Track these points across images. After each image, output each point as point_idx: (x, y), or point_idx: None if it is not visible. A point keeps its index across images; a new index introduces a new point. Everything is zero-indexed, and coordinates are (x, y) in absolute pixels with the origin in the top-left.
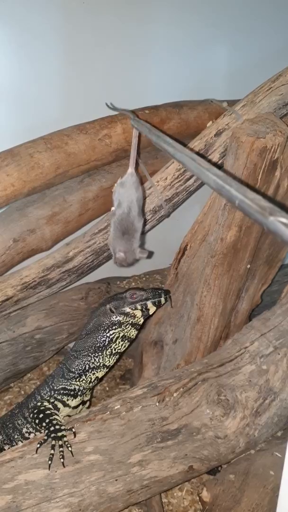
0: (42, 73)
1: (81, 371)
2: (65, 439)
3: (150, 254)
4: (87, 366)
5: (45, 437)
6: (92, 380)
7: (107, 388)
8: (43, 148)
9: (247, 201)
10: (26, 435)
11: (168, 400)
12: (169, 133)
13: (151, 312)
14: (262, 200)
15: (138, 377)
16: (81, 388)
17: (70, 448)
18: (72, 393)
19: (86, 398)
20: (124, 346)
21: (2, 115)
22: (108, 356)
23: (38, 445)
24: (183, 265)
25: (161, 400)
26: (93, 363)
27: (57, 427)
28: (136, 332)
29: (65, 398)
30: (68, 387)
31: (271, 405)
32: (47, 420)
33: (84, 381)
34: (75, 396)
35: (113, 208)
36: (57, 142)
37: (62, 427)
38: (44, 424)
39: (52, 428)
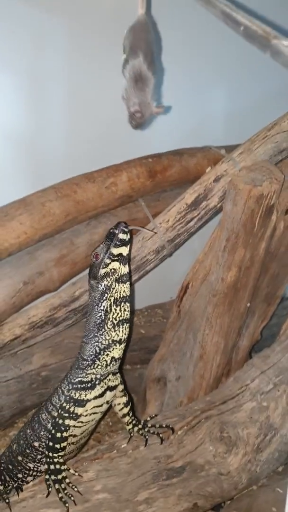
0: (50, 125)
1: (93, 356)
2: (67, 480)
3: (168, 109)
4: (97, 348)
5: (46, 476)
6: (109, 362)
7: (111, 423)
8: (54, 197)
9: (253, 27)
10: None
11: (172, 438)
12: (171, 179)
13: (125, 253)
14: (267, 26)
15: (142, 413)
16: (98, 376)
17: (75, 488)
18: (89, 385)
19: (112, 384)
20: (124, 310)
21: (13, 163)
22: (113, 329)
23: (49, 489)
24: (186, 303)
25: (166, 438)
26: (102, 343)
27: (57, 466)
28: (126, 287)
29: (82, 395)
30: (85, 379)
31: (272, 441)
32: (50, 454)
33: (100, 367)
34: (92, 388)
35: (124, 56)
36: (66, 191)
37: (62, 467)
38: (50, 454)
39: (52, 467)
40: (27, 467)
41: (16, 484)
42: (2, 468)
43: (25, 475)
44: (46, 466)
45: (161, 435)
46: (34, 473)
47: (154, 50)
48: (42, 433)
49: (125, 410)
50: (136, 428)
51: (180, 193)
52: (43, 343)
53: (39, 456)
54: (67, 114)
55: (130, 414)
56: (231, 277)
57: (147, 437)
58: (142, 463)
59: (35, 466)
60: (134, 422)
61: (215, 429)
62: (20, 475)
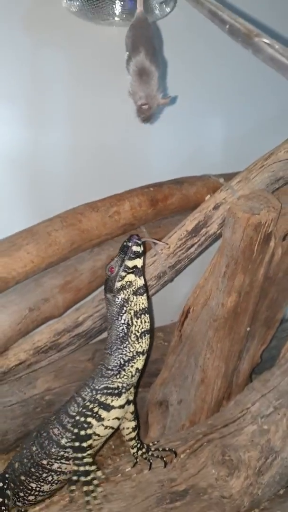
0: (52, 155)
1: (118, 366)
2: (95, 482)
3: (174, 99)
4: (122, 360)
5: (74, 477)
6: (133, 373)
7: (113, 446)
8: (60, 226)
9: (237, 25)
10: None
11: (175, 462)
12: (171, 207)
13: (139, 265)
14: (250, 25)
15: (144, 436)
16: (124, 385)
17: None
18: (116, 391)
19: (130, 398)
20: (145, 322)
21: (17, 192)
22: (136, 342)
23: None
24: (187, 328)
25: (169, 462)
26: (126, 355)
27: (87, 467)
28: (144, 298)
29: (109, 400)
30: (111, 385)
31: (273, 464)
32: (79, 455)
33: (125, 377)
34: (119, 395)
35: (127, 53)
36: (72, 220)
37: (92, 468)
38: (78, 455)
39: (82, 468)
40: (29, 487)
41: (22, 504)
42: (5, 486)
43: (26, 494)
44: (75, 468)
45: (164, 459)
46: (36, 493)
47: (155, 44)
48: (53, 449)
49: (132, 435)
50: (140, 452)
51: (180, 219)
52: (46, 367)
53: (44, 475)
54: (69, 144)
55: (136, 438)
56: (231, 302)
57: (151, 460)
58: (146, 486)
59: (38, 485)
60: (138, 445)
61: (217, 453)
62: (21, 494)
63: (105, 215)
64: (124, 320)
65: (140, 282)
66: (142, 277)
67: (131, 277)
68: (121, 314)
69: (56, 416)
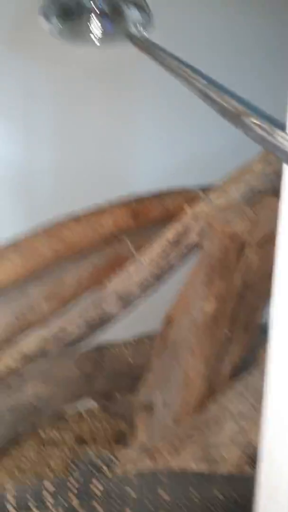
0: (38, 167)
1: None
2: None
3: None
4: None
5: None
6: None
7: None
8: (43, 238)
9: (226, 105)
10: None
11: (160, 462)
12: (152, 219)
13: None
14: (239, 104)
15: (131, 438)
16: None
17: None
18: None
19: None
20: None
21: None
22: None
23: None
24: (170, 333)
25: (154, 460)
26: None
27: None
28: None
29: None
30: None
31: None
32: None
33: None
34: None
35: None
36: (55, 231)
37: None
38: None
39: None
40: None
41: None
42: None
43: None
44: None
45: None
46: None
47: None
48: None
49: None
50: None
51: (161, 229)
52: (34, 373)
53: None
54: (51, 155)
55: None
56: (211, 308)
57: None
58: None
59: None
60: None
61: (199, 452)
62: None
63: (87, 226)
64: None
65: None
66: None
67: None
68: None
69: None
